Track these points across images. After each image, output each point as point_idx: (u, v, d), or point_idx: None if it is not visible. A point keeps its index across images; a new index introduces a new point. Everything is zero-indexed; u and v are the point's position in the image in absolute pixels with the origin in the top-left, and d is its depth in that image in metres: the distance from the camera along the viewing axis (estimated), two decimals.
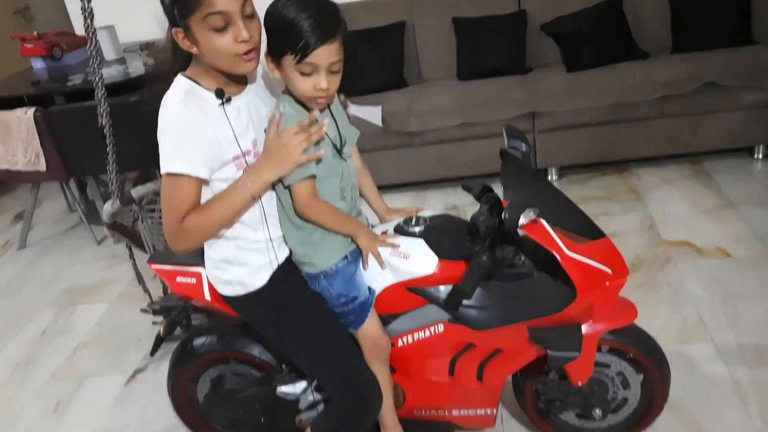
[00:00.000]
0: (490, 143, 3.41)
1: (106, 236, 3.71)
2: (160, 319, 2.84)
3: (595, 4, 3.63)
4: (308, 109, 1.51)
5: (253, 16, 1.39)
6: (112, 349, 2.79)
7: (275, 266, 1.64)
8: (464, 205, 3.40)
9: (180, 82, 1.46)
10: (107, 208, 2.39)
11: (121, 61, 3.71)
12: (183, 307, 1.92)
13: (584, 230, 1.62)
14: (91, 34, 2.47)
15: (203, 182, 1.47)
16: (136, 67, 3.54)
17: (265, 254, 1.62)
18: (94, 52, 2.46)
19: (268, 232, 1.59)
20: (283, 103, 1.50)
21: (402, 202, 3.57)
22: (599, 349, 1.75)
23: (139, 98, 3.29)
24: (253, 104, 1.55)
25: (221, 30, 1.35)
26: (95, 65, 2.43)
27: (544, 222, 1.52)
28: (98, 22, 2.59)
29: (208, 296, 1.77)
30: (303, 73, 1.41)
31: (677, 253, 2.73)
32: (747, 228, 2.81)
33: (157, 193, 2.42)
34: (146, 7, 4.23)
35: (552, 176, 3.53)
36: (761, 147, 3.36)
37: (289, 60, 1.40)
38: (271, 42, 1.43)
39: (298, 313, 1.67)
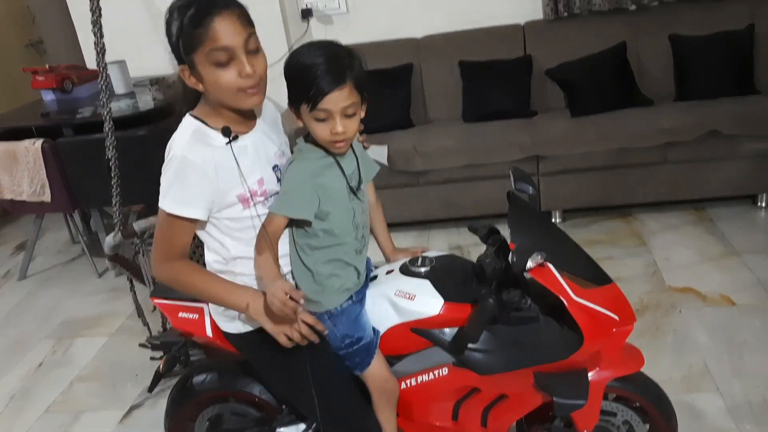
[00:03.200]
0: (494, 185, 3.43)
1: (108, 269, 3.72)
2: (158, 354, 2.82)
3: (599, 51, 3.69)
4: (328, 151, 1.53)
5: (257, 51, 1.41)
6: (109, 383, 2.75)
7: None
8: (468, 246, 3.40)
9: (187, 122, 1.49)
10: (109, 241, 2.39)
11: (131, 95, 3.76)
12: (183, 344, 1.90)
13: (591, 275, 1.61)
14: (102, 69, 2.51)
15: (200, 222, 1.49)
16: (146, 101, 3.58)
17: None
18: (104, 86, 2.49)
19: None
20: (300, 152, 1.54)
21: (406, 241, 3.56)
22: (605, 397, 1.73)
23: (146, 133, 3.33)
24: (260, 143, 1.56)
25: (224, 65, 1.37)
26: (105, 99, 2.46)
27: (551, 266, 1.52)
28: (110, 56, 2.63)
29: (209, 333, 1.75)
30: (319, 120, 1.44)
31: (681, 299, 2.71)
32: (751, 276, 2.80)
33: None
34: (157, 42, 4.29)
35: (556, 219, 3.53)
36: (764, 195, 3.37)
37: (304, 108, 1.44)
38: (290, 92, 1.47)
39: (303, 353, 1.64)
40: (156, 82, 3.64)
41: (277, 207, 1.51)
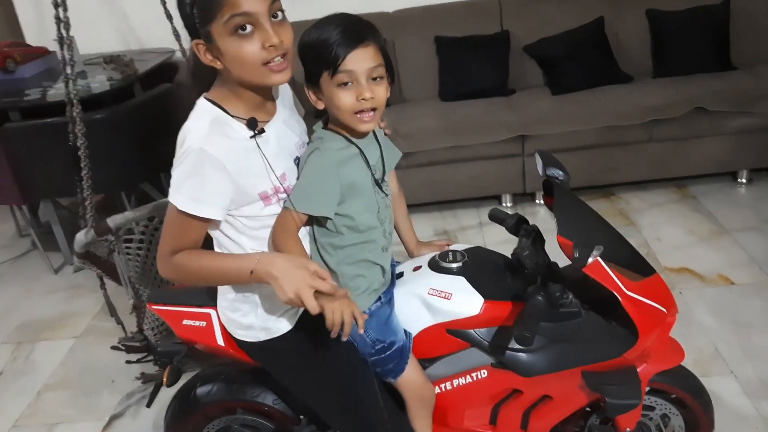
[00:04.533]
0: (479, 166, 3.33)
1: (66, 264, 3.44)
2: (135, 357, 2.60)
3: (577, 27, 3.61)
4: (350, 141, 1.37)
5: (283, 18, 1.24)
6: (82, 391, 2.53)
7: (302, 309, 1.47)
8: (454, 230, 3.29)
9: (204, 108, 1.31)
10: (80, 239, 2.15)
11: (83, 74, 3.45)
12: (186, 352, 1.72)
13: (636, 266, 1.52)
14: (65, 45, 2.26)
15: (214, 222, 1.33)
16: (100, 81, 3.29)
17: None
18: (70, 66, 2.24)
19: None
20: (320, 140, 1.39)
21: None
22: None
23: (105, 115, 3.06)
24: (282, 133, 1.40)
25: (247, 35, 1.19)
26: (71, 78, 2.21)
27: (600, 260, 1.41)
28: (52, 32, 2.36)
29: (220, 341, 1.58)
30: (342, 85, 1.29)
31: (679, 280, 2.68)
32: (744, 254, 2.79)
33: (137, 222, 2.20)
34: (106, 17, 3.99)
35: (539, 200, 3.46)
36: (745, 172, 3.38)
37: (326, 79, 1.30)
38: (308, 70, 1.34)
39: (330, 360, 1.50)
40: (111, 59, 3.35)
41: (296, 202, 1.34)
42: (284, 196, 1.36)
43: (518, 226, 1.67)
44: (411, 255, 1.71)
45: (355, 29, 1.30)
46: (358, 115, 1.33)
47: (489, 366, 1.54)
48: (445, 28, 3.69)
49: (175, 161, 1.27)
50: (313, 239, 1.45)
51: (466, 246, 1.68)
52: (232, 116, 1.30)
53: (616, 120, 3.19)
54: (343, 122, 1.35)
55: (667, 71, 3.56)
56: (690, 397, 1.66)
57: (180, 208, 1.27)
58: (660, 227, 3.09)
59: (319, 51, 1.29)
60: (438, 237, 3.23)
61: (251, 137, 1.29)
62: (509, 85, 3.67)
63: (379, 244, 1.48)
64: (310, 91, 1.37)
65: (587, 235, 1.43)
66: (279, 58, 1.23)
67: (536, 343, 1.51)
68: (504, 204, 3.45)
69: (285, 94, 1.49)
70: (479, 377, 1.55)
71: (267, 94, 1.37)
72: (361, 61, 1.28)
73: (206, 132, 1.26)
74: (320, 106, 1.37)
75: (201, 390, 1.72)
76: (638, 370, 1.54)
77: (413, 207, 3.50)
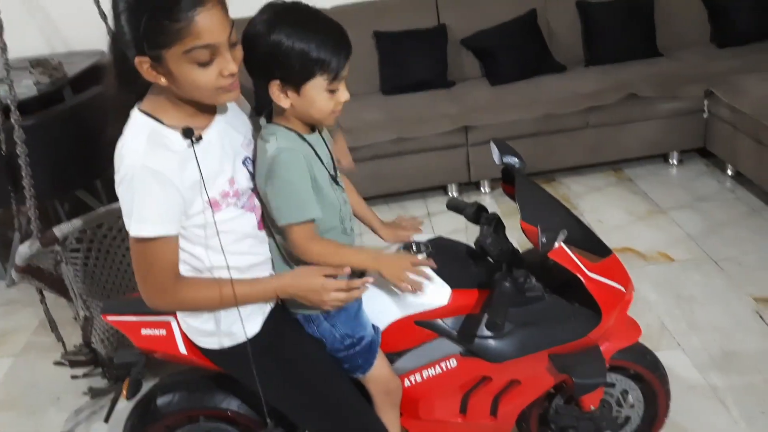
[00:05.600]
0: (424, 158, 3.35)
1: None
2: (80, 372, 2.50)
3: (511, 19, 3.69)
4: (301, 136, 1.35)
5: (237, 42, 1.21)
6: (27, 411, 2.40)
7: (267, 311, 1.44)
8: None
9: (139, 121, 1.24)
10: (24, 251, 2.03)
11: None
12: (144, 363, 1.66)
13: (594, 248, 1.56)
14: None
15: (177, 237, 1.28)
16: (27, 86, 3.12)
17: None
18: (5, 70, 2.13)
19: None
20: (274, 136, 1.32)
21: None
22: None
23: (35, 121, 2.90)
24: (225, 135, 1.34)
25: (206, 64, 1.15)
26: (8, 83, 2.10)
27: (563, 244, 1.44)
28: None
29: (183, 349, 1.52)
30: (331, 92, 1.28)
31: (623, 259, 2.69)
32: (680, 231, 2.92)
33: (84, 231, 2.10)
34: (28, 19, 3.79)
35: (485, 189, 3.51)
36: (676, 153, 3.53)
37: (319, 82, 1.26)
38: (290, 71, 1.25)
39: (299, 361, 1.48)
40: (38, 63, 3.18)
41: (294, 215, 1.31)
42: (233, 200, 1.32)
43: (478, 214, 1.68)
44: (381, 237, 1.68)
45: (346, 36, 1.27)
46: (332, 114, 1.32)
47: (458, 355, 1.55)
48: (384, 23, 3.69)
49: (117, 184, 1.22)
50: (275, 244, 1.42)
51: (429, 236, 1.69)
52: (169, 126, 1.23)
53: (554, 108, 3.27)
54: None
55: (599, 60, 3.69)
56: (648, 372, 1.72)
57: (139, 236, 1.21)
58: (601, 209, 3.19)
59: (316, 56, 1.24)
60: None
61: (189, 146, 1.23)
62: (448, 77, 3.71)
63: (344, 242, 1.46)
64: (277, 89, 1.28)
65: (550, 220, 1.46)
66: (231, 83, 1.20)
67: (504, 329, 1.53)
68: (450, 194, 3.48)
69: None
70: (448, 367, 1.55)
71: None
72: (347, 70, 1.26)
73: (145, 148, 1.20)
74: (285, 104, 1.30)
75: (161, 400, 1.66)
76: (601, 349, 1.58)
77: None
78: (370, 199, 3.47)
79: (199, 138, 1.25)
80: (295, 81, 1.26)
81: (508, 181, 1.64)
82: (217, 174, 1.29)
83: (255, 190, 1.38)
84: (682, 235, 2.89)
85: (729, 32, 3.69)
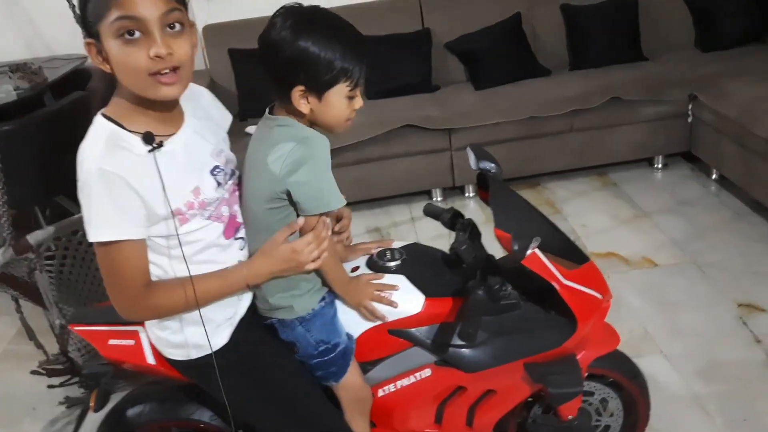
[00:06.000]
0: (408, 162, 3.33)
1: None
2: (57, 381, 2.45)
3: (496, 23, 3.67)
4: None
5: (181, 31, 1.15)
6: (1, 422, 2.36)
7: (236, 321, 1.41)
8: (386, 227, 3.28)
9: (98, 125, 1.21)
10: None
11: None
12: (114, 373, 1.63)
13: (571, 255, 1.54)
14: None
15: (144, 241, 1.24)
16: (6, 91, 3.08)
17: (230, 307, 1.39)
18: None
19: None
20: (292, 128, 1.31)
21: None
22: None
23: (14, 127, 2.86)
24: (192, 144, 1.30)
25: (133, 40, 1.10)
26: None
27: (537, 251, 1.42)
28: None
29: (151, 360, 1.49)
30: (349, 98, 1.31)
31: (607, 264, 2.76)
32: (664, 236, 2.91)
33: (59, 238, 2.07)
34: (9, 24, 3.75)
35: (469, 193, 3.49)
36: (660, 157, 3.52)
37: (341, 89, 1.27)
38: (316, 78, 1.24)
39: (269, 372, 1.44)
40: (17, 68, 3.14)
41: (336, 200, 1.33)
42: (198, 211, 1.28)
43: (454, 220, 1.66)
44: (342, 260, 1.66)
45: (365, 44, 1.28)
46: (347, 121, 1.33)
47: (432, 364, 1.52)
48: (367, 27, 3.62)
49: (78, 190, 1.18)
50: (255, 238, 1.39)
51: (403, 243, 1.66)
52: (130, 131, 1.20)
53: (538, 111, 3.26)
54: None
55: (583, 63, 3.67)
56: (627, 380, 1.70)
57: (100, 240, 1.18)
58: (585, 214, 3.18)
59: (342, 62, 1.24)
60: (370, 235, 3.21)
61: (149, 152, 1.19)
62: (433, 81, 3.69)
63: None
64: (300, 95, 1.26)
65: (524, 226, 1.43)
66: (168, 71, 1.14)
67: (479, 338, 1.50)
68: (435, 198, 3.47)
69: (198, 101, 1.39)
70: (423, 376, 1.53)
71: (170, 106, 1.26)
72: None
73: (102, 151, 1.16)
74: (305, 109, 1.28)
75: (132, 411, 1.62)
76: (578, 357, 1.56)
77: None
78: (355, 204, 3.45)
79: (161, 144, 1.21)
80: (320, 87, 1.26)
81: (483, 186, 1.62)
82: (182, 184, 1.25)
83: (225, 199, 1.35)
84: (666, 240, 2.88)
85: (714, 36, 3.69)
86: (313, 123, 1.34)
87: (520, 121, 3.27)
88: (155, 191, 1.20)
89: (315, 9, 1.28)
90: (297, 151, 1.27)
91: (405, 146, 3.27)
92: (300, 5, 1.29)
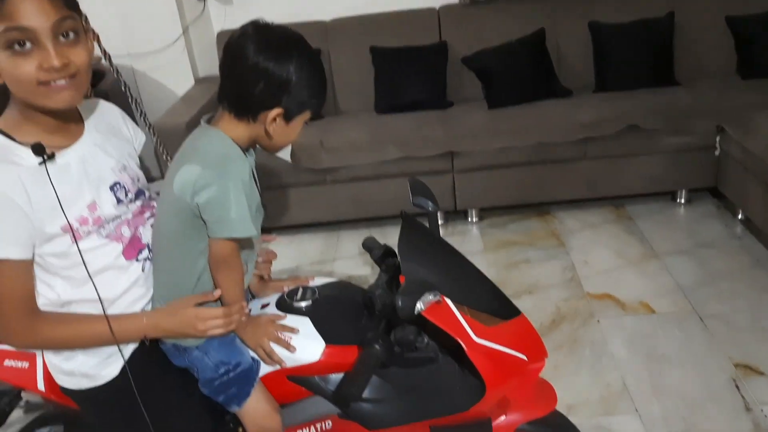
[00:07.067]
0: (406, 183, 3.18)
1: None
2: None
3: (517, 38, 3.49)
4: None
5: (76, 40, 1.11)
6: None
7: (131, 351, 1.34)
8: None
9: None
10: None
11: None
12: (17, 393, 1.58)
13: (496, 308, 1.39)
14: None
15: (27, 262, 1.18)
16: None
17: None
18: None
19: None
20: (221, 140, 1.26)
21: (314, 244, 3.29)
22: None
23: None
24: (90, 157, 1.25)
25: (24, 52, 1.06)
26: None
27: (449, 302, 1.28)
28: None
29: (41, 386, 1.43)
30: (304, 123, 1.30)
31: (600, 307, 2.56)
32: (671, 280, 2.67)
33: None
34: None
35: (472, 218, 3.33)
36: (683, 192, 3.26)
37: (306, 116, 1.29)
38: (296, 103, 1.24)
39: (155, 409, 1.35)
40: None
41: (239, 229, 1.25)
42: (94, 228, 1.23)
43: (384, 258, 1.54)
44: (255, 294, 1.56)
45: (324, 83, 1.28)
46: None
47: (335, 416, 1.40)
48: (382, 38, 3.56)
49: None
50: (167, 268, 1.33)
51: (328, 280, 1.55)
52: (19, 143, 1.15)
53: (546, 137, 3.07)
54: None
55: (609, 86, 3.44)
56: None
57: None
58: (589, 249, 2.96)
59: (316, 92, 1.27)
60: (364, 255, 3.09)
61: (40, 164, 1.15)
62: (447, 97, 3.54)
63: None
64: (271, 116, 1.23)
65: (435, 275, 1.30)
66: (62, 80, 1.10)
67: (384, 393, 1.38)
68: (440, 221, 3.30)
69: (104, 116, 1.35)
70: (324, 428, 1.41)
71: (67, 117, 1.23)
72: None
73: None
74: (270, 128, 1.25)
75: None
76: (498, 422, 1.41)
77: (341, 224, 3.38)
78: (348, 223, 3.36)
79: (52, 156, 1.16)
80: (294, 112, 1.25)
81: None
82: (74, 199, 1.20)
83: (127, 219, 1.30)
84: (671, 285, 2.64)
85: (755, 63, 3.39)
86: (255, 141, 1.31)
87: (527, 145, 3.09)
88: (44, 207, 1.15)
89: (287, 31, 1.25)
90: (205, 174, 1.21)
91: (402, 166, 3.13)
92: (267, 24, 1.24)
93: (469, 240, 3.16)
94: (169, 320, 1.29)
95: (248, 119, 1.25)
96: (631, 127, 3.05)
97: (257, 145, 1.34)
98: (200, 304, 1.31)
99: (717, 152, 3.08)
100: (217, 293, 1.31)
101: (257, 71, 1.19)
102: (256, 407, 1.37)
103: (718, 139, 3.05)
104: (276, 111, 1.23)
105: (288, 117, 1.25)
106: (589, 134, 3.05)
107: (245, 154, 1.30)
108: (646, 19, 3.45)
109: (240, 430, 1.42)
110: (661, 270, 2.75)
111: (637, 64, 3.42)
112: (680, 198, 3.28)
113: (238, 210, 1.23)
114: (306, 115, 1.27)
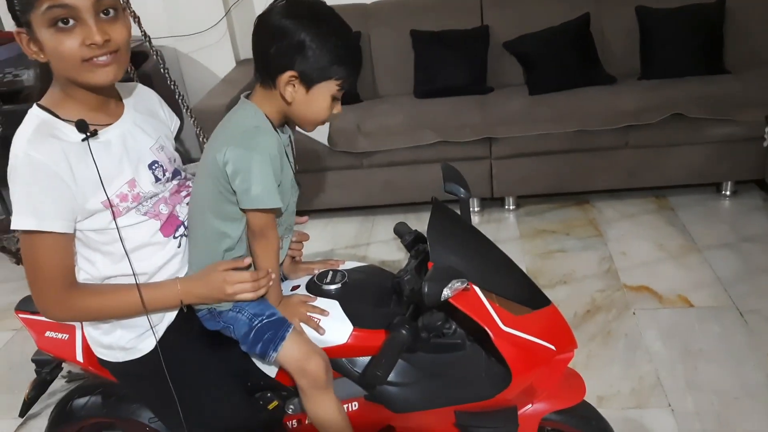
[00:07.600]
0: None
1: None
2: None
3: (561, 23, 3.42)
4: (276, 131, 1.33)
5: (116, 17, 1.15)
6: (5, 389, 2.47)
7: (163, 328, 1.37)
8: None
9: (32, 114, 1.21)
10: None
11: None
12: (58, 364, 1.64)
13: (526, 297, 1.38)
14: None
15: (68, 236, 1.21)
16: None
17: (157, 314, 1.35)
18: None
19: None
20: (254, 114, 1.31)
21: (349, 227, 3.31)
22: (541, 430, 1.51)
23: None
24: (130, 135, 1.29)
25: (67, 29, 1.10)
26: None
27: (477, 290, 1.28)
28: None
29: (80, 357, 1.49)
30: (334, 99, 1.29)
31: (636, 298, 2.51)
32: (711, 273, 2.61)
33: None
34: None
35: (509, 206, 3.30)
36: (729, 183, 3.17)
37: (330, 86, 1.27)
38: (312, 68, 1.24)
39: (194, 383, 1.39)
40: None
41: (266, 201, 1.28)
42: (133, 204, 1.26)
43: (414, 244, 1.54)
44: (285, 275, 1.58)
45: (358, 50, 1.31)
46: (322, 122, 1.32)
47: (362, 398, 1.42)
48: (423, 22, 3.53)
49: (8, 180, 1.17)
50: (206, 241, 1.35)
51: (356, 264, 1.56)
52: (63, 119, 1.19)
53: (586, 124, 3.01)
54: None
55: (655, 73, 3.35)
56: None
57: (24, 229, 1.16)
58: (628, 240, 2.91)
59: (343, 60, 1.26)
60: (395, 240, 3.10)
61: (83, 140, 1.18)
62: (488, 82, 3.50)
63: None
64: (287, 80, 1.25)
65: (464, 263, 1.30)
66: (104, 56, 1.14)
67: (411, 377, 1.39)
68: (472, 209, 3.29)
69: (142, 97, 1.39)
70: (351, 409, 1.43)
71: (108, 95, 1.27)
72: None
73: (30, 137, 1.16)
74: (290, 95, 1.27)
75: (77, 403, 1.63)
76: (524, 410, 1.41)
77: (376, 208, 3.39)
78: (384, 207, 3.36)
79: (95, 133, 1.20)
80: (312, 78, 1.24)
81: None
82: (115, 175, 1.24)
83: (164, 197, 1.33)
84: (711, 278, 2.58)
85: None
86: (287, 116, 1.32)
87: (567, 132, 3.03)
88: (86, 182, 1.19)
89: (318, 3, 1.27)
90: (233, 145, 1.25)
91: (438, 152, 3.11)
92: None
93: (505, 228, 3.13)
94: (199, 285, 1.32)
95: (270, 86, 1.27)
96: (675, 116, 2.97)
97: (294, 126, 1.37)
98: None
99: (766, 143, 2.97)
100: (248, 260, 1.34)
101: (273, 31, 1.22)
102: (294, 349, 1.32)
103: (767, 129, 2.95)
104: (289, 74, 1.24)
105: (307, 82, 1.25)
106: (631, 122, 2.98)
107: (278, 130, 1.32)
108: (695, 4, 3.34)
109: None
110: (702, 263, 2.68)
111: (684, 51, 3.32)
112: (725, 190, 3.19)
113: (263, 181, 1.25)
114: (331, 85, 1.26)
